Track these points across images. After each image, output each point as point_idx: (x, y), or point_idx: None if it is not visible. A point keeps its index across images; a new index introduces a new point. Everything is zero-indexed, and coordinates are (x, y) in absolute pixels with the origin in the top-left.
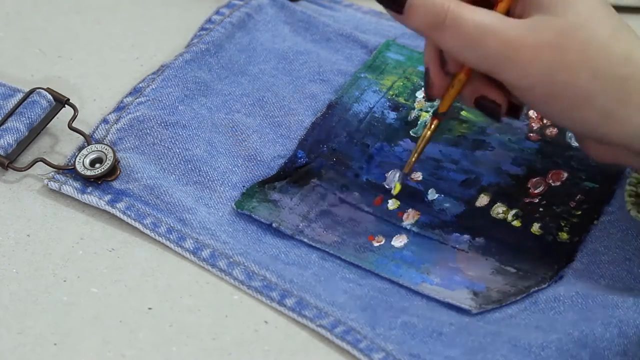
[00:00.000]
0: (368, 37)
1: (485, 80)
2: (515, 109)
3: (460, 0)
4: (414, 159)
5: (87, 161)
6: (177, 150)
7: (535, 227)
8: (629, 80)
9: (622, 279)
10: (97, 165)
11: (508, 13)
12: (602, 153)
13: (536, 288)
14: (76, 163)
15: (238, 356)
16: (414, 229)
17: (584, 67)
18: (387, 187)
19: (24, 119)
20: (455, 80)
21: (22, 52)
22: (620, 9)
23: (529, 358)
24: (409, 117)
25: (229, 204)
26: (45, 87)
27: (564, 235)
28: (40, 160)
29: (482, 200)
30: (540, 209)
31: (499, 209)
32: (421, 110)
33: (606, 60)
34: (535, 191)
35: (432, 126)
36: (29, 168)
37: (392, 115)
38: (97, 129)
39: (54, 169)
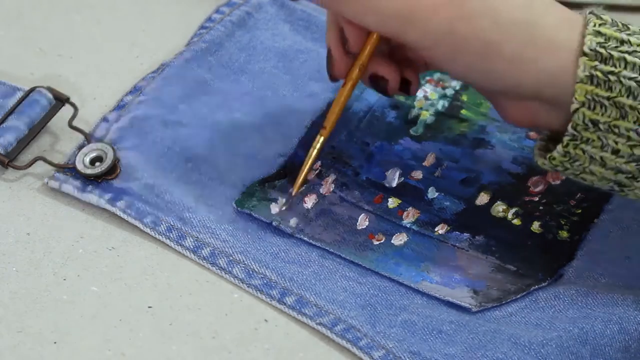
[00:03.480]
0: None
1: (378, 59)
2: (407, 84)
3: None
4: (301, 179)
5: (87, 160)
6: (177, 149)
7: (536, 226)
8: (532, 25)
9: (622, 278)
10: (97, 163)
11: None
12: (518, 113)
13: (536, 286)
14: (76, 162)
15: (238, 355)
16: (413, 227)
17: (484, 16)
18: (387, 185)
19: (24, 117)
20: (342, 89)
21: (23, 50)
22: (620, 8)
23: (529, 355)
24: (409, 116)
25: (229, 202)
26: (45, 86)
27: (564, 234)
28: (41, 159)
29: (482, 198)
30: (541, 208)
31: (499, 208)
32: (421, 109)
33: (507, 6)
34: (536, 190)
35: (319, 144)
36: (29, 166)
37: (392, 113)
38: (97, 127)
39: (54, 168)
